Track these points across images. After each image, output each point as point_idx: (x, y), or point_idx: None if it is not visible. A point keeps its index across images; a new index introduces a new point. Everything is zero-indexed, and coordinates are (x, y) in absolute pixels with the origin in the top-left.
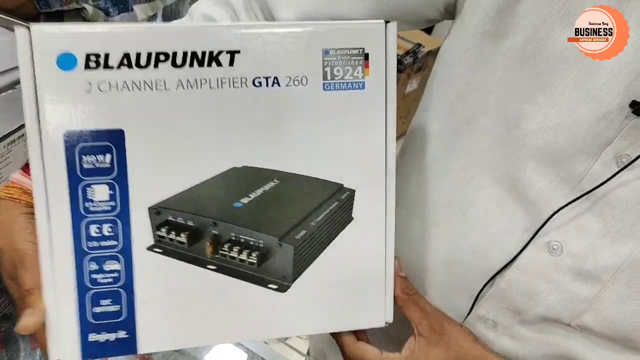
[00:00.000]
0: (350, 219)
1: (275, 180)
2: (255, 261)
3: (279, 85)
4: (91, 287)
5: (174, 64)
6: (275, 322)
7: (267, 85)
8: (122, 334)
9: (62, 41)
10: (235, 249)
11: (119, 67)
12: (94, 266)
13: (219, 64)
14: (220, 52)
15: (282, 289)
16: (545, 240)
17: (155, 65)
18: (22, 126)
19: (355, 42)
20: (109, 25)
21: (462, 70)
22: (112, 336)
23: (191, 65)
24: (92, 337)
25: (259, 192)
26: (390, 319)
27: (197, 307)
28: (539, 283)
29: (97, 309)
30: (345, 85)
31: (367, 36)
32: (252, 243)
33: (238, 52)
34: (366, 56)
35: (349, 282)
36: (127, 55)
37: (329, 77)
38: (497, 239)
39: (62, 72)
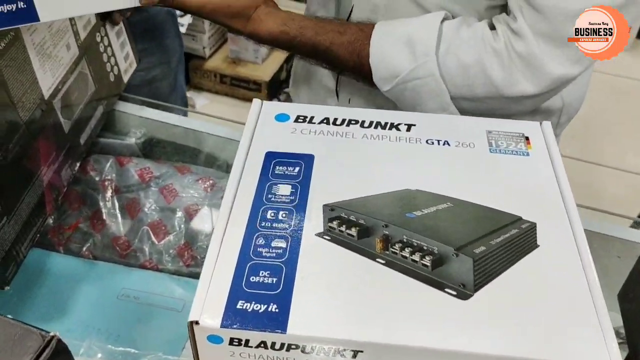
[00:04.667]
0: (535, 246)
1: (449, 203)
2: (429, 264)
3: (449, 145)
4: (254, 258)
5: (361, 126)
6: (449, 331)
7: (438, 144)
8: (273, 307)
9: (279, 106)
10: (407, 249)
11: (319, 123)
12: (261, 241)
13: (398, 129)
14: (399, 124)
15: (463, 296)
16: None
17: (347, 125)
18: None
19: (516, 129)
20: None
21: None
22: (262, 307)
23: (375, 127)
24: (241, 304)
25: (432, 209)
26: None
27: (358, 296)
28: None
29: (254, 278)
30: (510, 151)
31: (526, 127)
32: (425, 248)
33: (414, 125)
34: (527, 138)
35: (548, 309)
36: (327, 119)
37: (494, 146)
38: None
39: (278, 122)
